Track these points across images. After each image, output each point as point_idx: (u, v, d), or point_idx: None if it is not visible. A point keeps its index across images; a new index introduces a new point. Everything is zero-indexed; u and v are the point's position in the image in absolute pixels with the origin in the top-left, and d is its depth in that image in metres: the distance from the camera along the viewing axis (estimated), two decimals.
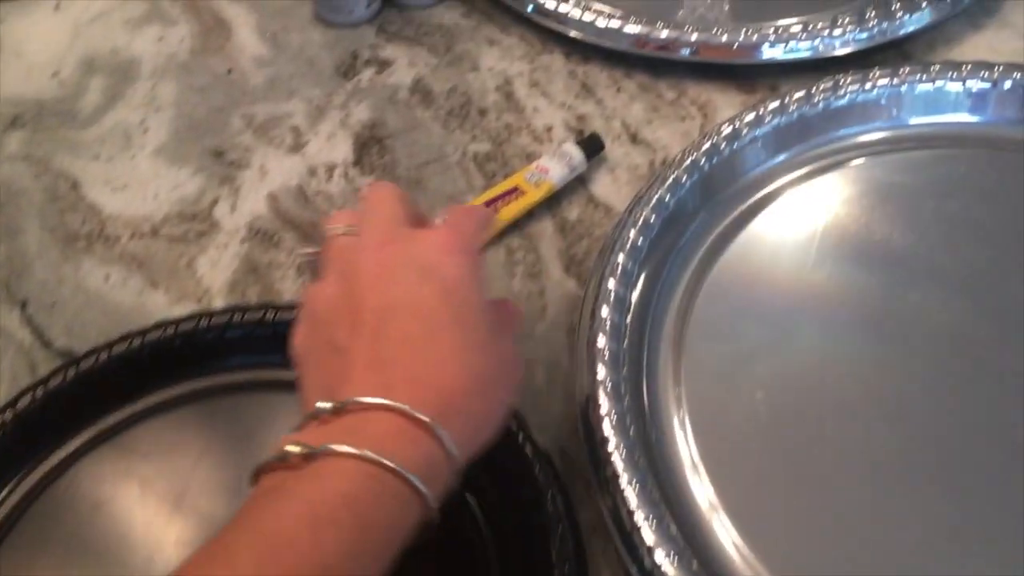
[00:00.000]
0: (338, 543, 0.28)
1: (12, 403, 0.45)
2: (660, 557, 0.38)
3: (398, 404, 0.31)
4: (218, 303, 0.51)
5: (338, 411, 0.32)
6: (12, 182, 0.57)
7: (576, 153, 0.53)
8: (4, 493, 0.44)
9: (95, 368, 0.46)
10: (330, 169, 0.56)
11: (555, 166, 0.52)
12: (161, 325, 0.47)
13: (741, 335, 0.47)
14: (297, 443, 0.31)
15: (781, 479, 0.42)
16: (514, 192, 0.52)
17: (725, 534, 0.40)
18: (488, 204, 0.52)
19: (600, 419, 0.42)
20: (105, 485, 0.44)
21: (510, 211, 0.51)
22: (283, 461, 0.31)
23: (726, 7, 0.60)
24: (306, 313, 0.37)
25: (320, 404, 0.32)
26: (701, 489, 0.42)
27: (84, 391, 0.46)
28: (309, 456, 0.30)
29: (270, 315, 0.47)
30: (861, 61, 0.57)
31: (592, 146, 0.54)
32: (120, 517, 0.43)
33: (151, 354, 0.47)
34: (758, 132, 0.52)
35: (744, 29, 0.56)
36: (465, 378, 0.33)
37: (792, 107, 0.52)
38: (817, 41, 0.56)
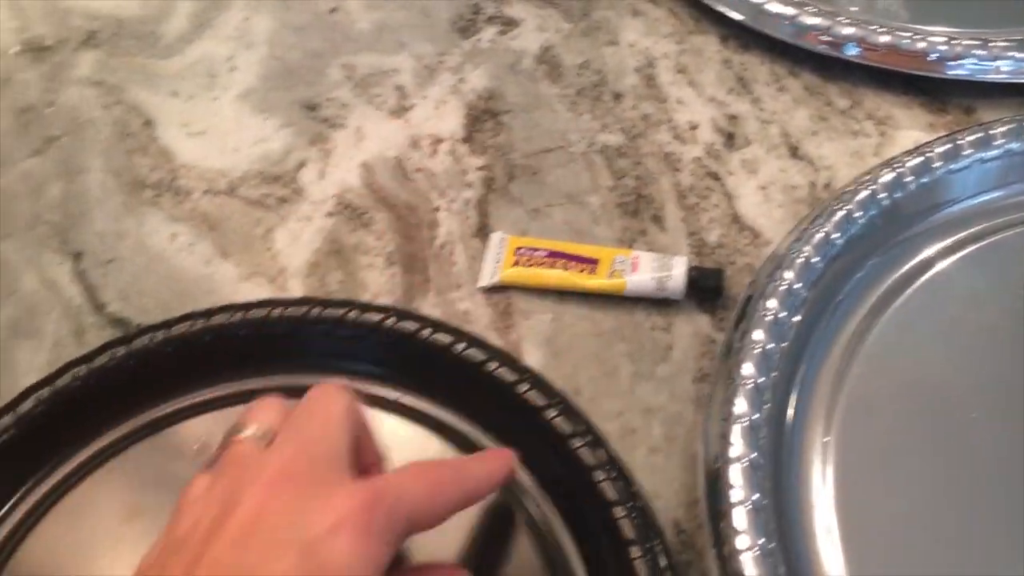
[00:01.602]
0: None
1: (51, 379, 0.39)
2: None
3: None
4: (293, 285, 0.44)
5: None
6: (79, 110, 0.50)
7: (677, 282, 0.42)
8: (34, 480, 0.39)
9: (149, 350, 0.40)
10: (435, 142, 0.48)
11: (647, 274, 0.42)
12: (228, 308, 0.41)
13: (903, 414, 0.39)
14: None
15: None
16: (587, 264, 0.43)
17: None
18: (553, 255, 0.43)
19: (732, 506, 0.35)
20: (146, 488, 0.38)
21: (562, 279, 0.43)
22: None
23: None
24: (174, 516, 0.30)
25: None
26: None
27: (133, 375, 0.40)
28: None
29: (353, 314, 0.40)
30: None
31: (705, 284, 0.42)
32: (157, 528, 0.37)
33: (213, 341, 0.41)
34: (953, 167, 0.43)
35: (948, 38, 0.47)
36: None
37: (998, 141, 0.43)
38: None
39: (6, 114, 0.50)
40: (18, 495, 0.38)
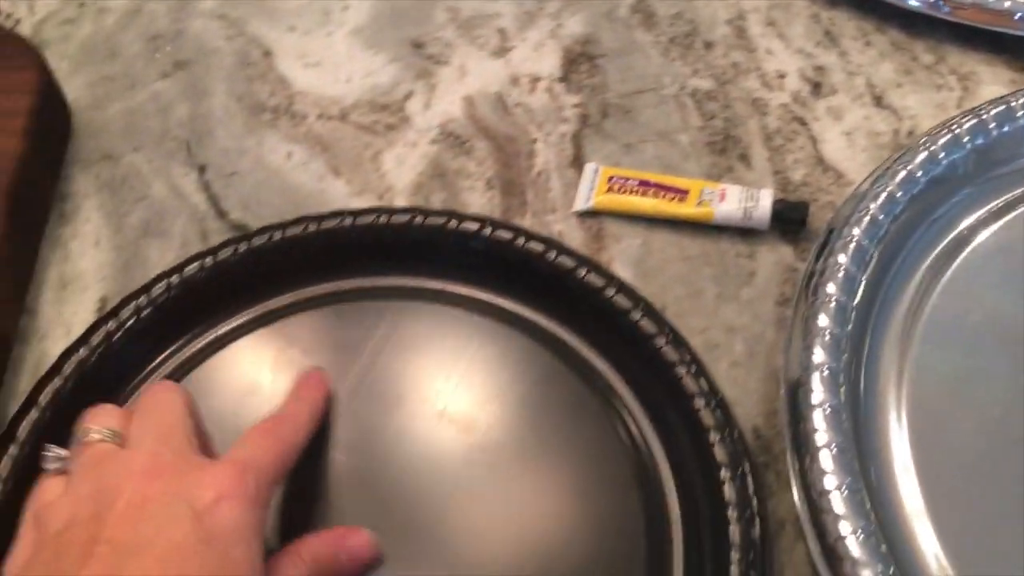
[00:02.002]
0: None
1: (180, 268, 0.43)
2: (864, 573, 0.33)
3: None
4: (399, 202, 0.47)
5: None
6: (204, 40, 0.54)
7: (763, 212, 0.44)
8: (161, 359, 0.42)
9: (266, 247, 0.44)
10: (534, 81, 0.51)
11: (734, 204, 0.44)
12: (339, 214, 0.44)
13: (978, 344, 0.41)
14: None
15: (1000, 503, 0.37)
16: (677, 193, 0.45)
17: (929, 546, 0.36)
18: (644, 185, 0.46)
19: (811, 408, 0.37)
20: (262, 370, 0.42)
21: (653, 206, 0.45)
22: None
23: None
24: (33, 521, 0.31)
25: None
26: (912, 498, 0.37)
27: (253, 269, 0.44)
28: None
29: (453, 223, 0.43)
30: None
31: (790, 216, 0.44)
32: (271, 403, 0.41)
33: (325, 242, 0.44)
34: None
35: None
36: None
37: None
38: None
39: (136, 41, 0.55)
40: (148, 369, 0.42)
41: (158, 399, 0.34)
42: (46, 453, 0.34)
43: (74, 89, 0.52)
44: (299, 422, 0.36)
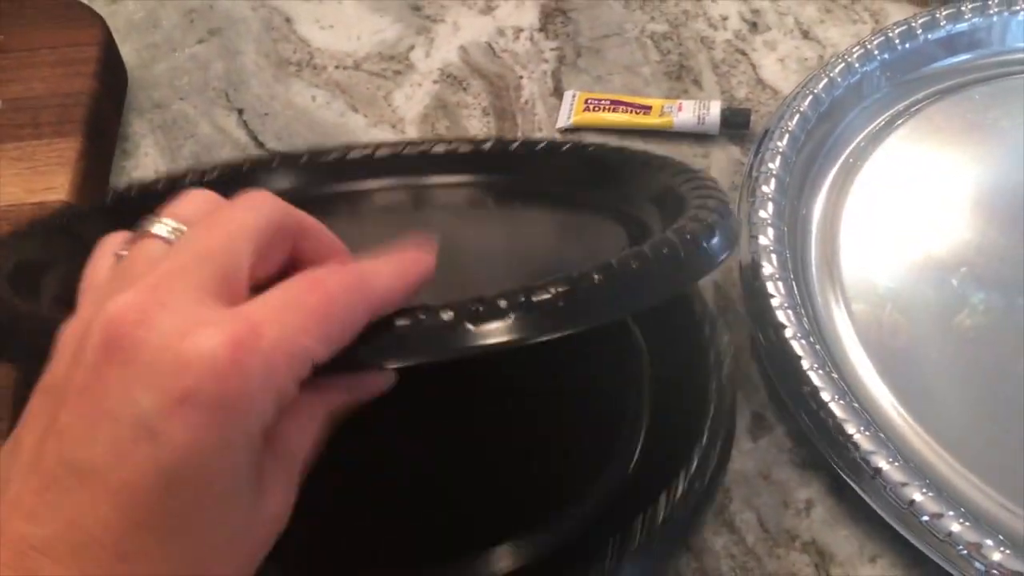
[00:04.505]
0: None
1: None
2: (810, 371, 0.42)
3: None
4: (410, 130, 0.56)
5: None
6: (232, 12, 0.63)
7: (714, 118, 0.53)
8: None
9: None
10: (517, 31, 0.61)
11: (690, 113, 0.54)
12: (388, 144, 0.52)
13: (899, 215, 0.50)
14: None
15: (931, 343, 0.45)
16: (642, 109, 0.55)
17: (865, 364, 0.44)
18: (615, 103, 0.55)
19: (760, 253, 0.46)
20: None
21: (623, 119, 0.54)
22: None
23: None
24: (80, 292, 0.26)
25: None
26: (845, 326, 0.46)
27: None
28: None
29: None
30: None
31: (735, 121, 0.54)
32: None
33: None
34: (931, 36, 0.55)
35: None
36: None
37: (967, 15, 0.55)
38: None
39: (174, 13, 0.63)
40: None
41: (236, 206, 0.26)
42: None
43: (125, 54, 0.60)
44: (377, 285, 0.25)
